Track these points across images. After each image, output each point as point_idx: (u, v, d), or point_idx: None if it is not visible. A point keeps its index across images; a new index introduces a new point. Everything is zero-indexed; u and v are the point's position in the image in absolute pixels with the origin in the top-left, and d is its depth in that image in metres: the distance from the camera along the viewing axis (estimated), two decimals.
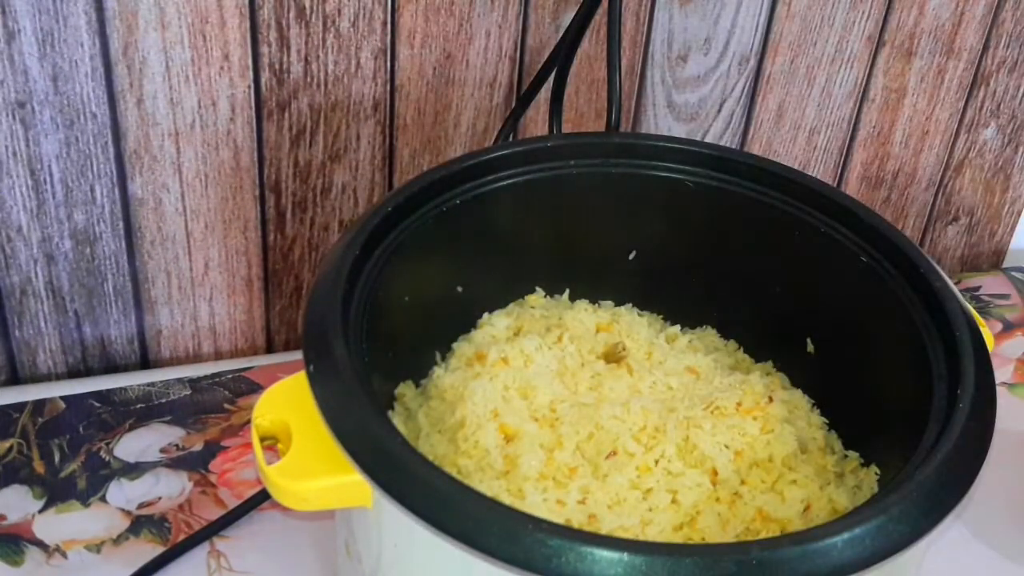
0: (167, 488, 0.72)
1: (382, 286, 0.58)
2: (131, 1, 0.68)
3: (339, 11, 0.72)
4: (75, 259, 0.76)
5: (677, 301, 0.71)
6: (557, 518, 0.55)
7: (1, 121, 0.69)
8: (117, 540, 0.68)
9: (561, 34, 0.74)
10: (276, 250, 0.81)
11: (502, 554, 0.45)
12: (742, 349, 0.70)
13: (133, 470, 0.73)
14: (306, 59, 0.74)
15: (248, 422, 0.76)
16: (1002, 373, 0.88)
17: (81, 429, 0.75)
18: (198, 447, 0.75)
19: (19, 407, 0.76)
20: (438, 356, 0.67)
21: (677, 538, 0.56)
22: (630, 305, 0.71)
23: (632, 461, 0.58)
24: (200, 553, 0.68)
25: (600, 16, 0.75)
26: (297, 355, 0.59)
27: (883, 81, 0.90)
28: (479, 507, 0.46)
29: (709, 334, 0.71)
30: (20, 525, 0.68)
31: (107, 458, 0.73)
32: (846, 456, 0.63)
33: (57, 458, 0.73)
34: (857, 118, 0.91)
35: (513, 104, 0.80)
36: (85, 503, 0.70)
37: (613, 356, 0.66)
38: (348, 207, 0.80)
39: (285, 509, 0.53)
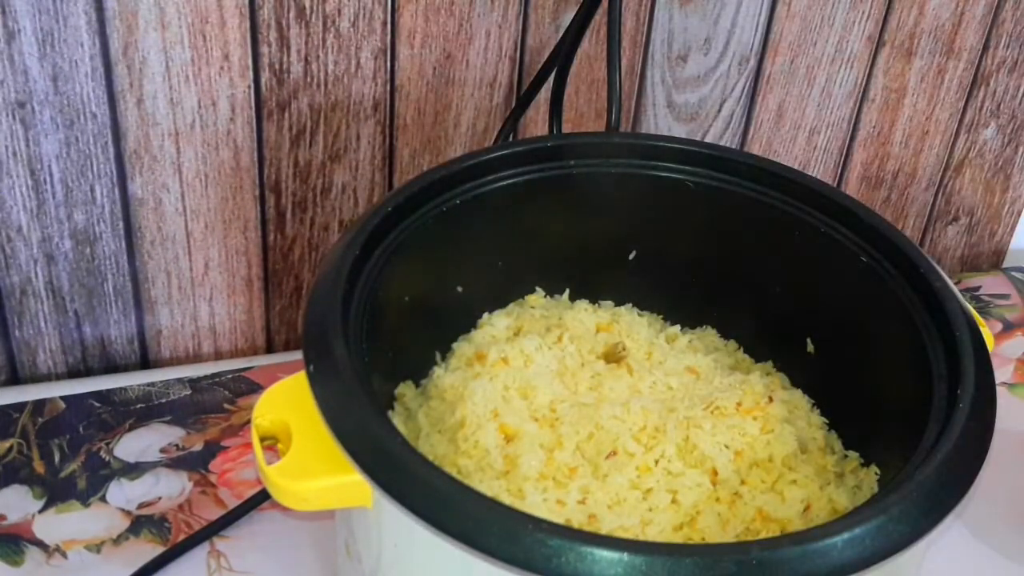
0: (167, 488, 0.72)
1: (382, 286, 0.58)
2: (131, 1, 0.68)
3: (339, 11, 0.72)
4: (75, 259, 0.76)
5: (677, 301, 0.71)
6: (557, 518, 0.55)
7: (1, 121, 0.69)
8: (117, 540, 0.68)
9: (561, 34, 0.74)
10: (276, 250, 0.81)
11: (502, 554, 0.45)
12: (742, 349, 0.70)
13: (133, 470, 0.73)
14: (306, 59, 0.74)
15: (248, 422, 0.76)
16: (1002, 373, 0.88)
17: (81, 429, 0.75)
18: (198, 447, 0.75)
19: (19, 407, 0.76)
20: (438, 356, 0.67)
21: (677, 538, 0.56)
22: (630, 305, 0.71)
23: (632, 461, 0.58)
24: (200, 553, 0.68)
25: (600, 16, 0.75)
26: (297, 355, 0.59)
27: (883, 81, 0.90)
28: (479, 507, 0.46)
29: (709, 334, 0.71)
30: (20, 525, 0.68)
31: (107, 458, 0.73)
32: (846, 456, 0.63)
33: (57, 458, 0.73)
34: (857, 118, 0.91)
35: (513, 104, 0.80)
36: (85, 503, 0.70)
37: (613, 356, 0.66)
38: (348, 207, 0.80)
39: (285, 509, 0.53)
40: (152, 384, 0.79)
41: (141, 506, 0.70)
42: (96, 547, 0.68)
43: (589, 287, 0.71)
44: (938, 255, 1.03)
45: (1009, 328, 0.93)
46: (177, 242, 0.78)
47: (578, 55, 0.77)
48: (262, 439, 0.53)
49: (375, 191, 0.81)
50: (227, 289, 0.81)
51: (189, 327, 0.82)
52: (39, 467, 0.72)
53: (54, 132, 0.71)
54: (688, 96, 0.85)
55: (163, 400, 0.78)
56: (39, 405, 0.76)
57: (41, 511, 0.69)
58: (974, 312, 0.58)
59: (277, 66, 0.73)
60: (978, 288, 0.98)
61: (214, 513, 0.70)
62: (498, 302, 0.69)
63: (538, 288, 0.70)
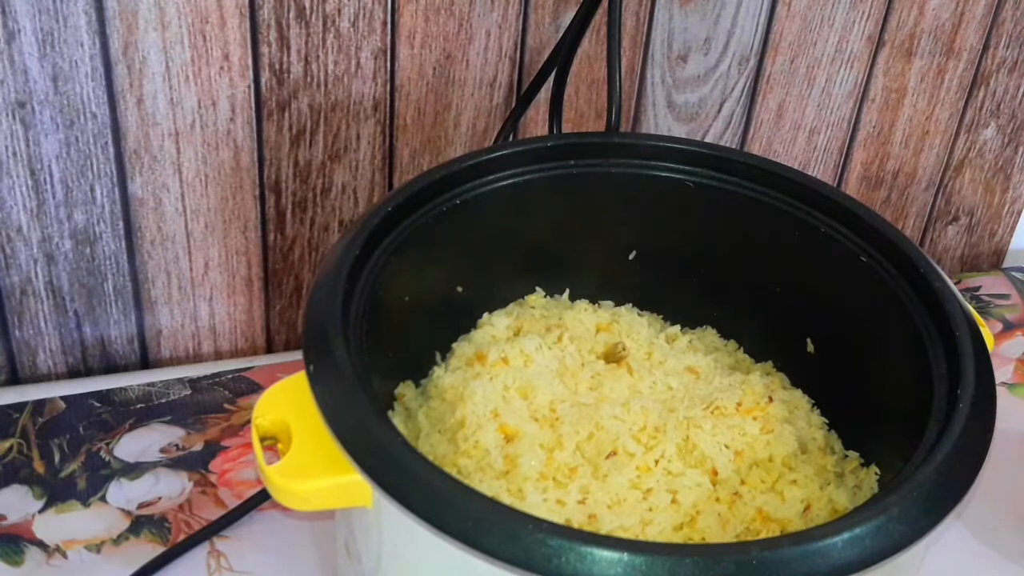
0: (167, 488, 0.72)
1: (382, 286, 0.58)
2: (131, 1, 0.68)
3: (339, 11, 0.72)
4: (75, 259, 0.76)
5: (677, 301, 0.71)
6: (557, 518, 0.55)
7: (1, 121, 0.69)
8: (117, 540, 0.68)
9: (561, 34, 0.74)
10: (276, 250, 0.81)
11: (502, 554, 0.45)
12: (742, 349, 0.70)
13: (133, 470, 0.73)
14: (306, 59, 0.74)
15: (248, 422, 0.76)
16: (1002, 373, 0.88)
17: (81, 429, 0.75)
18: (198, 447, 0.75)
19: (19, 407, 0.76)
20: (438, 356, 0.67)
21: (677, 538, 0.56)
22: (630, 305, 0.71)
23: (632, 461, 0.58)
24: (200, 553, 0.68)
25: (600, 16, 0.75)
26: (297, 355, 0.59)
27: (883, 81, 0.90)
28: (479, 507, 0.46)
29: (709, 334, 0.71)
30: (20, 525, 0.68)
31: (107, 458, 0.73)
32: (846, 456, 0.63)
33: (57, 458, 0.73)
34: (857, 118, 0.91)
35: (513, 104, 0.80)
36: (85, 503, 0.70)
37: (613, 356, 0.66)
38: (348, 207, 0.81)
39: (285, 509, 0.53)
40: (152, 384, 0.79)
41: (141, 506, 0.70)
42: (96, 547, 0.68)
43: (589, 287, 0.71)
44: (938, 255, 1.03)
45: (1009, 328, 0.93)
46: (177, 242, 0.78)
47: (578, 55, 0.77)
48: (262, 439, 0.53)
49: (375, 191, 0.81)
50: (227, 289, 0.81)
51: (189, 327, 0.82)
52: (39, 467, 0.72)
53: (54, 132, 0.71)
54: (688, 96, 0.85)
55: (163, 400, 0.78)
56: (39, 405, 0.76)
57: (41, 511, 0.69)
58: (974, 312, 0.58)
59: (277, 66, 0.73)
60: (978, 288, 0.98)
61: (214, 513, 0.70)
62: (498, 302, 0.69)
63: (538, 288, 0.70)
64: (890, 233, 0.61)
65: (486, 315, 0.69)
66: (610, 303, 0.71)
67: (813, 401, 0.66)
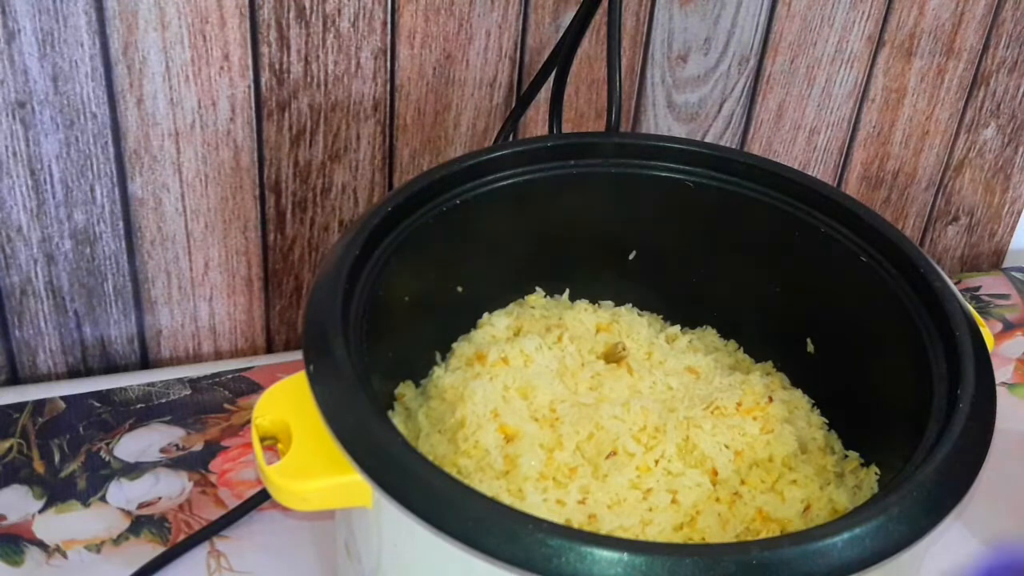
0: (167, 488, 0.72)
1: (382, 286, 0.58)
2: (131, 1, 0.68)
3: (339, 11, 0.72)
4: (75, 259, 0.76)
5: (677, 301, 0.71)
6: (557, 518, 0.55)
7: (1, 121, 0.69)
8: (117, 540, 0.68)
9: (561, 34, 0.74)
10: (276, 250, 0.81)
11: (502, 554, 0.45)
12: (742, 349, 0.70)
13: (133, 470, 0.73)
14: (306, 59, 0.74)
15: (248, 422, 0.76)
16: (1002, 373, 0.88)
17: (81, 429, 0.75)
18: (198, 447, 0.75)
19: (19, 407, 0.76)
20: (438, 356, 0.67)
21: (677, 538, 0.56)
22: (630, 305, 0.71)
23: (632, 461, 0.58)
24: (200, 553, 0.68)
25: (600, 16, 0.75)
26: (297, 355, 0.59)
27: (883, 81, 0.90)
28: (479, 507, 0.46)
29: (709, 334, 0.71)
30: (20, 525, 0.68)
31: (107, 458, 0.73)
32: (846, 456, 0.63)
33: (57, 458, 0.73)
34: (857, 118, 0.91)
35: (513, 104, 0.80)
36: (85, 503, 0.70)
37: (613, 356, 0.66)
38: (348, 207, 0.81)
39: (285, 509, 0.53)
40: (152, 384, 0.79)
41: (141, 506, 0.70)
42: (96, 547, 0.68)
43: (589, 287, 0.71)
44: (938, 255, 1.03)
45: (1009, 328, 0.93)
46: (177, 242, 0.78)
47: (578, 55, 0.77)
48: (262, 439, 0.53)
49: (375, 191, 0.81)
50: (227, 289, 0.81)
51: (189, 327, 0.82)
52: (39, 467, 0.72)
53: (54, 132, 0.71)
54: (688, 96, 0.85)
55: (163, 400, 0.78)
56: (39, 405, 0.76)
57: (41, 511, 0.69)
58: (974, 312, 0.58)
59: (277, 66, 0.73)
60: (978, 288, 0.98)
61: (214, 513, 0.70)
62: (498, 302, 0.69)
63: (538, 288, 0.70)
64: (890, 233, 0.61)
65: (486, 315, 0.69)
66: (610, 303, 0.71)
67: (813, 401, 0.66)
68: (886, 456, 0.60)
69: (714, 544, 0.55)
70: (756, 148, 0.90)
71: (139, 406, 0.77)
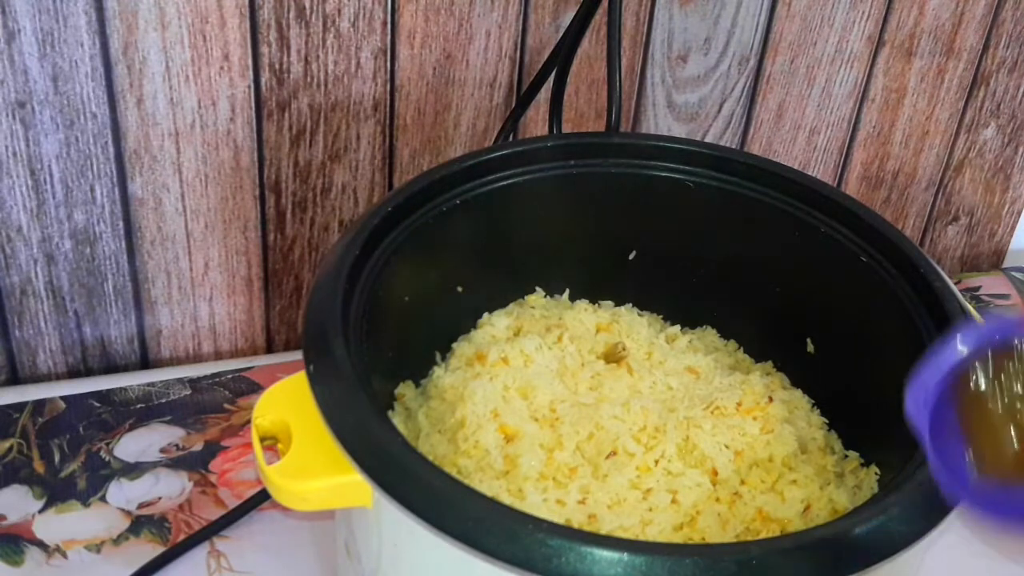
0: (167, 488, 0.72)
1: (382, 286, 0.58)
2: (131, 1, 0.68)
3: (339, 11, 0.72)
4: (75, 259, 0.76)
5: (677, 301, 0.71)
6: (557, 518, 0.55)
7: (1, 121, 0.69)
8: (117, 540, 0.68)
9: (561, 34, 0.74)
10: (276, 250, 0.81)
11: (502, 554, 0.45)
12: (742, 349, 0.70)
13: (133, 470, 0.73)
14: (306, 59, 0.74)
15: (248, 422, 0.76)
16: None
17: (81, 429, 0.75)
18: (198, 447, 0.75)
19: (19, 407, 0.76)
20: (438, 356, 0.67)
21: (677, 538, 0.56)
22: (630, 305, 0.71)
23: (632, 461, 0.58)
24: (200, 553, 0.68)
25: (600, 16, 0.75)
26: (297, 355, 0.59)
27: (883, 81, 0.90)
28: (479, 507, 0.46)
29: (709, 334, 0.71)
30: (20, 525, 0.69)
31: (107, 458, 0.73)
32: (846, 456, 0.63)
33: (57, 458, 0.73)
34: (857, 118, 0.91)
35: (513, 104, 0.80)
36: (85, 503, 0.70)
37: (613, 356, 0.66)
38: (348, 207, 0.81)
39: (285, 509, 0.53)
40: (152, 384, 0.79)
41: (141, 506, 0.70)
42: (96, 547, 0.68)
43: (589, 287, 0.71)
44: (938, 255, 1.03)
45: None
46: (177, 242, 0.78)
47: (578, 55, 0.77)
48: (262, 439, 0.53)
49: (375, 191, 0.81)
50: (227, 289, 0.81)
51: (189, 327, 0.82)
52: (39, 467, 0.72)
53: (54, 132, 0.71)
54: (688, 96, 0.85)
55: (163, 400, 0.78)
56: (39, 405, 0.76)
57: (41, 511, 0.69)
58: (974, 312, 0.58)
59: (277, 66, 0.73)
60: (978, 288, 0.98)
61: (214, 513, 0.70)
62: (498, 302, 0.69)
63: (538, 288, 0.70)
64: (890, 233, 0.61)
65: (486, 315, 0.69)
66: (610, 303, 0.71)
67: (813, 401, 0.66)
68: (886, 456, 0.60)
69: (714, 544, 0.55)
70: (756, 148, 0.90)
71: (139, 406, 0.77)
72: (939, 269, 0.59)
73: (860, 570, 0.46)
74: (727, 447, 0.60)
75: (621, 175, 0.67)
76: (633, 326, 0.69)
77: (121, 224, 0.76)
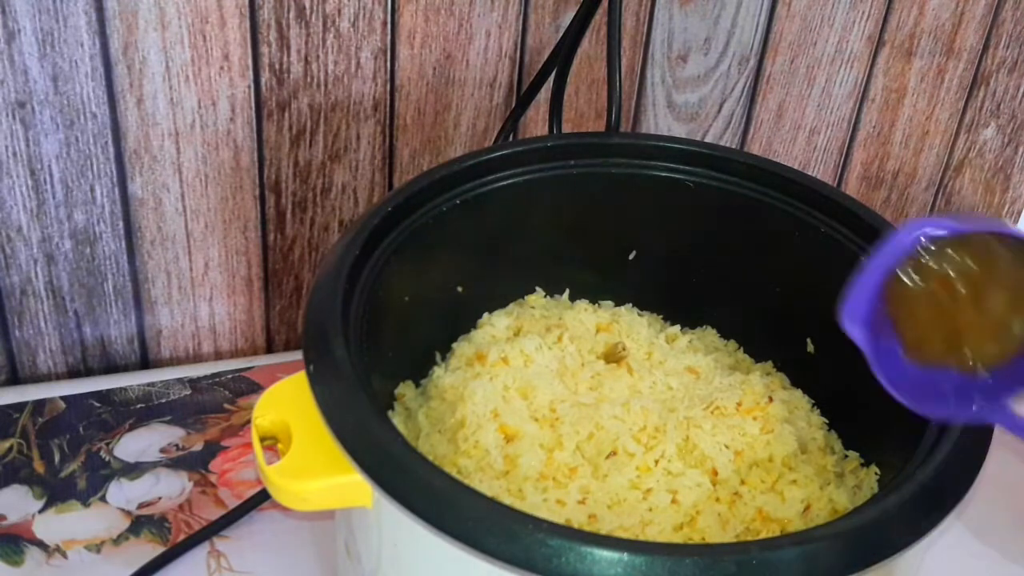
0: (167, 488, 0.72)
1: (382, 286, 0.58)
2: (131, 1, 0.68)
3: (339, 11, 0.72)
4: (75, 259, 0.76)
5: (677, 301, 0.71)
6: (557, 518, 0.55)
7: (1, 121, 0.69)
8: (117, 540, 0.68)
9: (561, 34, 0.74)
10: (276, 250, 0.81)
11: (502, 554, 0.45)
12: (742, 349, 0.70)
13: (133, 470, 0.73)
14: (306, 59, 0.74)
15: (248, 422, 0.76)
16: None
17: (81, 429, 0.75)
18: (198, 447, 0.75)
19: (19, 407, 0.76)
20: (438, 356, 0.67)
21: (677, 538, 0.56)
22: (630, 305, 0.71)
23: (632, 461, 0.58)
24: (200, 553, 0.68)
25: (600, 16, 0.75)
26: (297, 355, 0.59)
27: (883, 81, 0.90)
28: (479, 507, 0.46)
29: (709, 334, 0.71)
30: (20, 525, 0.68)
31: (107, 458, 0.73)
32: (846, 456, 0.63)
33: (57, 458, 0.73)
34: (857, 118, 0.91)
35: (513, 104, 0.80)
36: (85, 503, 0.70)
37: (613, 356, 0.66)
38: (348, 207, 0.81)
39: (285, 509, 0.53)
40: (152, 384, 0.79)
41: (141, 506, 0.70)
42: (96, 547, 0.68)
43: (589, 287, 0.71)
44: None
45: None
46: (177, 242, 0.78)
47: (578, 55, 0.77)
48: (262, 439, 0.53)
49: (375, 191, 0.81)
50: (227, 289, 0.81)
51: (189, 327, 0.82)
52: (39, 467, 0.72)
53: (54, 132, 0.71)
54: (688, 96, 0.85)
55: (163, 400, 0.78)
56: (39, 405, 0.76)
57: (41, 511, 0.69)
58: None
59: (277, 66, 0.73)
60: None
61: (214, 513, 0.70)
62: (498, 302, 0.69)
63: (538, 288, 0.70)
64: (890, 233, 0.61)
65: (486, 315, 0.69)
66: (610, 303, 0.71)
67: (813, 401, 0.66)
68: (886, 456, 0.60)
69: (714, 544, 0.55)
70: (756, 148, 0.90)
71: (139, 406, 0.77)
72: None
73: (860, 570, 0.46)
74: (727, 447, 0.60)
75: (621, 175, 0.67)
76: (633, 326, 0.69)
77: (121, 224, 0.76)
